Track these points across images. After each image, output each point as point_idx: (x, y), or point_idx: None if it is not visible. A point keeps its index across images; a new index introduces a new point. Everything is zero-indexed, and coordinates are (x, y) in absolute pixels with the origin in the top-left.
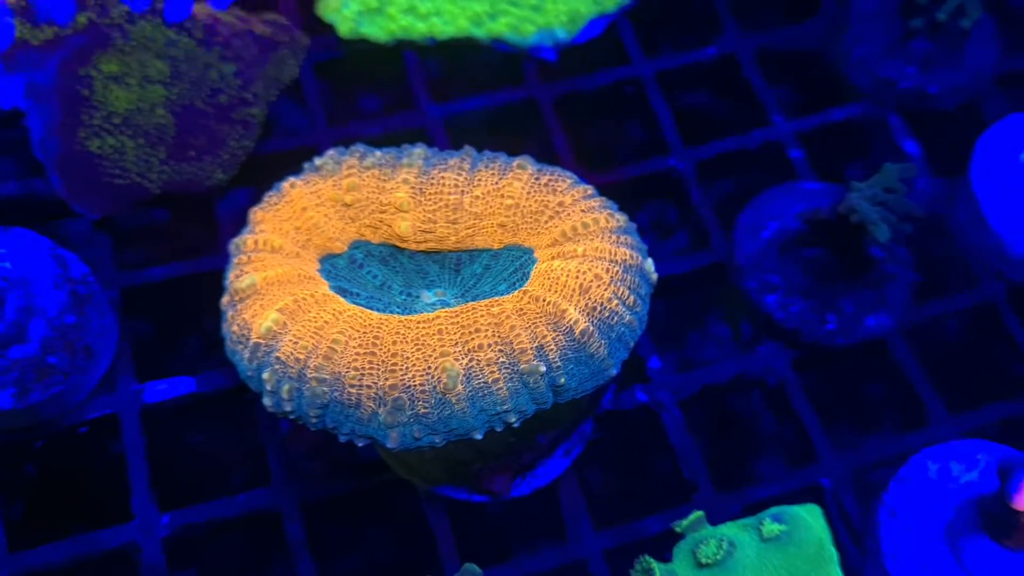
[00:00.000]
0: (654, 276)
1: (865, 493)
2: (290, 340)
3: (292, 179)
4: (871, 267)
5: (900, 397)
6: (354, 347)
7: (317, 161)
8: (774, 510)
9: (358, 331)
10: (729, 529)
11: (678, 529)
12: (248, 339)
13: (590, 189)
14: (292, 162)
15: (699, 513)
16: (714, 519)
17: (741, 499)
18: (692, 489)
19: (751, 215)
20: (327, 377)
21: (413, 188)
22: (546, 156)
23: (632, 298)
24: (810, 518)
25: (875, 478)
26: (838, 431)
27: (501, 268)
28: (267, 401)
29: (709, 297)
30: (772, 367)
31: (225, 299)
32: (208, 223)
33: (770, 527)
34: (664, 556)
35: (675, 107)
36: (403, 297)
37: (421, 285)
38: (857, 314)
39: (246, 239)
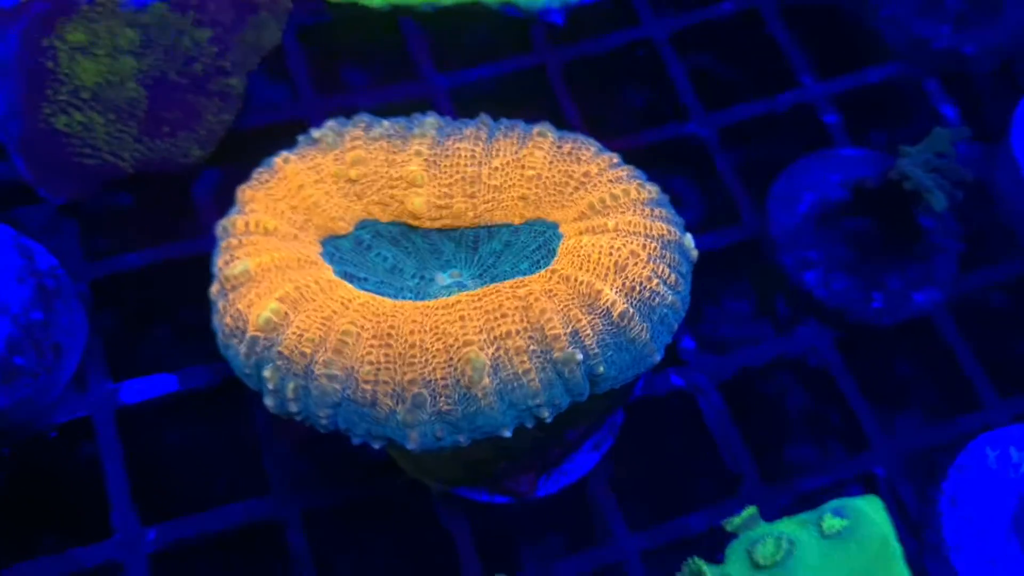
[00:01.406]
0: (694, 253)
1: (921, 481)
2: (293, 332)
3: (285, 154)
4: (919, 238)
5: (948, 378)
6: (368, 338)
7: (315, 133)
8: (834, 504)
9: (371, 320)
10: (787, 526)
11: (729, 528)
12: (244, 332)
13: (616, 157)
14: (275, 138)
15: (752, 509)
16: (763, 513)
17: (790, 491)
18: (737, 481)
19: (784, 185)
20: (338, 373)
21: (427, 160)
22: (556, 125)
23: (673, 276)
24: (872, 511)
25: (930, 465)
26: (887, 415)
27: (522, 245)
28: (269, 401)
29: (741, 275)
30: (814, 347)
31: (214, 288)
32: (184, 205)
33: (831, 522)
34: (715, 557)
35: (692, 69)
36: (415, 281)
37: (435, 266)
38: (904, 290)
39: (235, 220)
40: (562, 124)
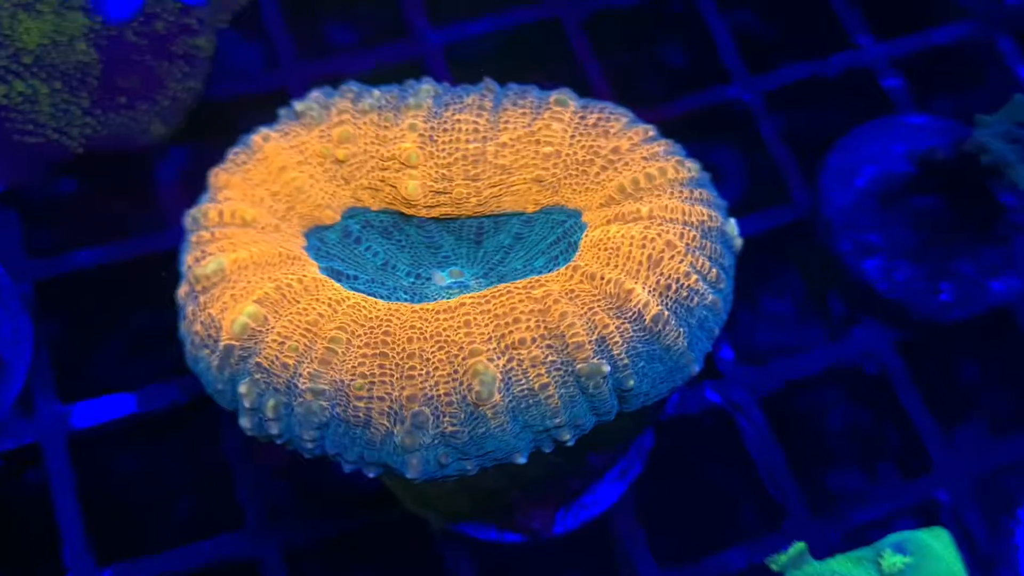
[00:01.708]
0: (738, 241)
1: (992, 509)
2: (274, 340)
3: (265, 130)
4: (997, 218)
5: None
6: (359, 347)
7: (297, 106)
8: (894, 538)
9: (364, 326)
10: (841, 564)
11: (775, 566)
12: (217, 341)
13: (651, 129)
14: (251, 110)
15: (801, 545)
16: (812, 549)
17: (842, 523)
18: (780, 513)
19: (841, 158)
20: (326, 388)
21: (422, 136)
22: (575, 90)
23: (714, 271)
24: (938, 545)
25: (1002, 489)
26: (956, 431)
27: (537, 237)
28: (245, 422)
29: (789, 264)
30: (872, 352)
31: (183, 289)
32: (145, 191)
33: (892, 560)
34: None
35: (735, 25)
36: (410, 280)
37: (432, 263)
38: (979, 277)
39: (207, 210)
40: (583, 90)
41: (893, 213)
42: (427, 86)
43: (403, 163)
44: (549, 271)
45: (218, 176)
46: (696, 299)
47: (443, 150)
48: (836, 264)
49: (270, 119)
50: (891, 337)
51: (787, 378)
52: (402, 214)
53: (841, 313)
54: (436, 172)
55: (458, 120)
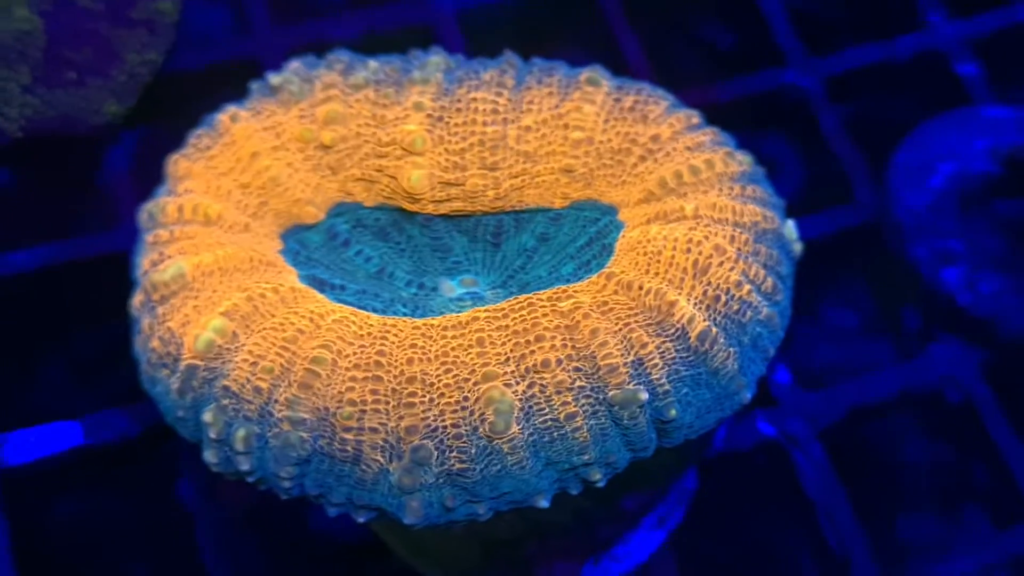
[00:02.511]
0: (798, 246)
1: None
2: (244, 360)
3: (233, 108)
4: None
5: None
6: (347, 368)
7: (273, 79)
8: None
9: (352, 344)
10: None
11: None
12: (177, 359)
13: (696, 116)
14: (218, 84)
15: None
16: None
17: None
18: (843, 566)
19: (913, 154)
20: (307, 416)
21: (430, 116)
22: (607, 66)
23: (769, 280)
24: None
25: None
26: None
27: (566, 238)
28: (211, 456)
29: (854, 271)
30: (953, 376)
31: (137, 299)
32: (92, 181)
33: None
34: None
35: (790, 3)
36: (412, 290)
37: (439, 270)
38: None
39: (165, 204)
40: (618, 68)
41: (975, 217)
42: (437, 58)
43: (406, 149)
44: (580, 278)
45: (177, 164)
46: (749, 313)
47: (455, 134)
48: (909, 273)
49: (239, 95)
50: (975, 358)
51: (852, 404)
52: (403, 211)
53: (915, 329)
54: (446, 160)
55: (474, 99)
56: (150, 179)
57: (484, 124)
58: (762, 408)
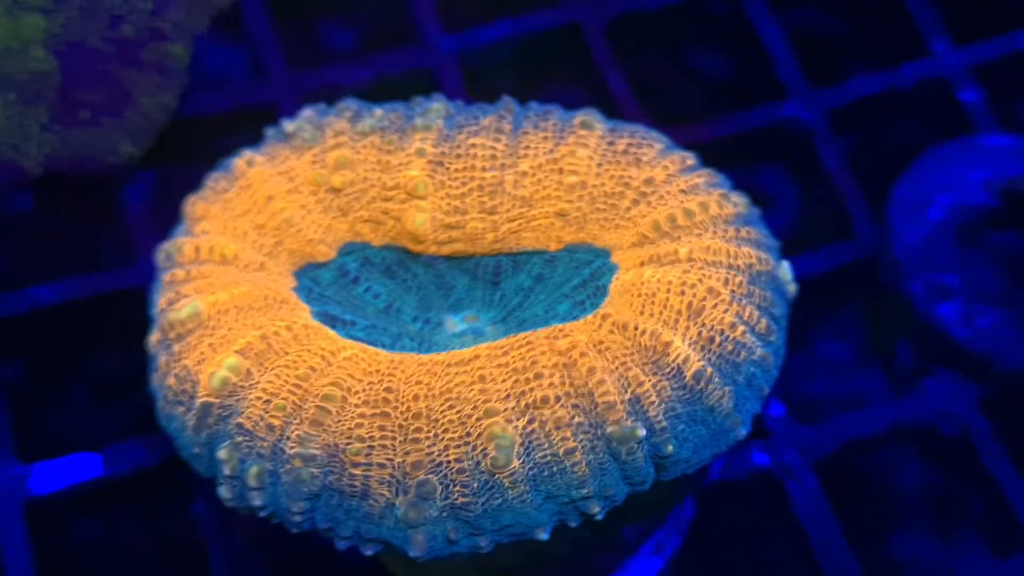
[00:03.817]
0: (792, 287)
1: None
2: (258, 398)
3: (249, 153)
4: None
5: None
6: (356, 405)
7: (287, 126)
8: None
9: (361, 381)
10: None
11: None
12: (193, 397)
13: (690, 157)
14: (233, 128)
15: None
16: None
17: None
18: None
19: (911, 187)
20: (317, 453)
21: (431, 162)
22: (600, 104)
23: (764, 321)
24: None
25: None
26: None
27: (560, 279)
28: (225, 491)
29: (853, 308)
30: (948, 410)
31: (154, 337)
32: (111, 218)
33: None
34: None
35: (791, 30)
36: (418, 325)
37: (443, 306)
38: None
39: (182, 244)
40: (606, 103)
41: (972, 251)
42: (438, 105)
43: (409, 193)
44: (574, 317)
45: (195, 205)
46: (743, 353)
47: (456, 179)
48: (905, 308)
49: (254, 139)
50: (972, 392)
51: (846, 437)
52: (408, 251)
53: (909, 363)
54: (447, 204)
55: (473, 144)
56: (167, 217)
57: (483, 169)
58: (757, 440)
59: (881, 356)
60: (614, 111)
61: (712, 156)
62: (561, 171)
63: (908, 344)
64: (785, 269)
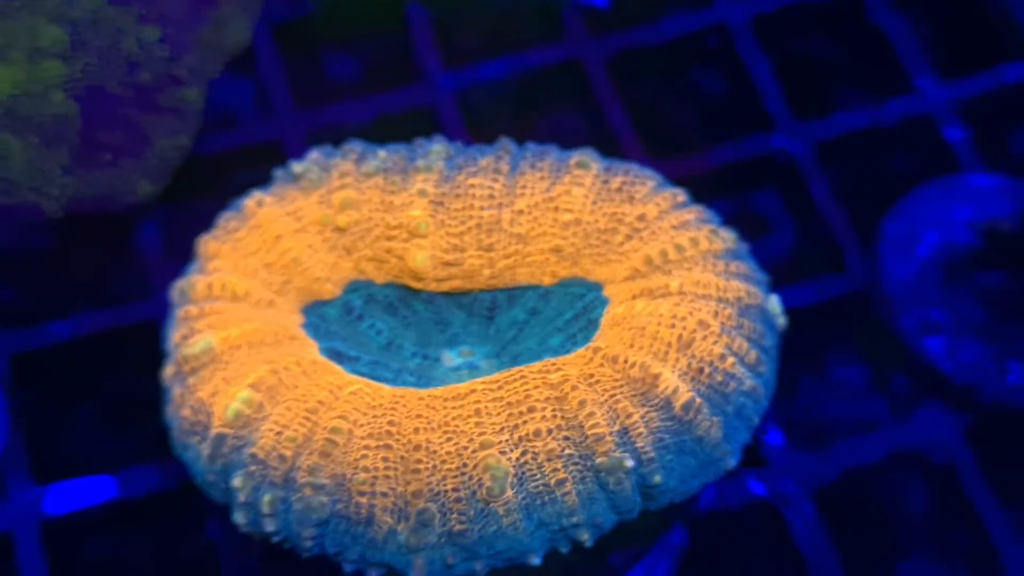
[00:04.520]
0: (782, 320)
1: None
2: (270, 429)
3: (259, 194)
4: None
5: None
6: (362, 438)
7: (295, 167)
8: None
9: (366, 414)
10: None
11: None
12: (207, 428)
13: (681, 194)
14: (243, 165)
15: None
16: None
17: None
18: None
19: (900, 223)
20: (326, 482)
21: (432, 202)
22: (599, 138)
23: (753, 353)
24: None
25: None
26: None
27: (553, 313)
28: (239, 517)
29: (845, 341)
30: (937, 440)
31: (169, 370)
32: (126, 254)
33: None
34: None
35: (779, 64)
36: (417, 360)
37: (440, 342)
38: None
39: (195, 282)
40: (606, 137)
41: (958, 287)
42: (438, 147)
43: (411, 232)
44: (566, 351)
45: (207, 245)
46: (733, 384)
47: (455, 218)
48: (898, 341)
49: (263, 175)
50: (957, 421)
51: (843, 467)
52: (409, 288)
53: (904, 394)
54: (447, 242)
55: (472, 185)
56: (180, 252)
57: (481, 208)
58: (753, 468)
59: (878, 386)
60: (613, 143)
61: (706, 184)
62: (557, 209)
63: (901, 375)
64: (774, 302)
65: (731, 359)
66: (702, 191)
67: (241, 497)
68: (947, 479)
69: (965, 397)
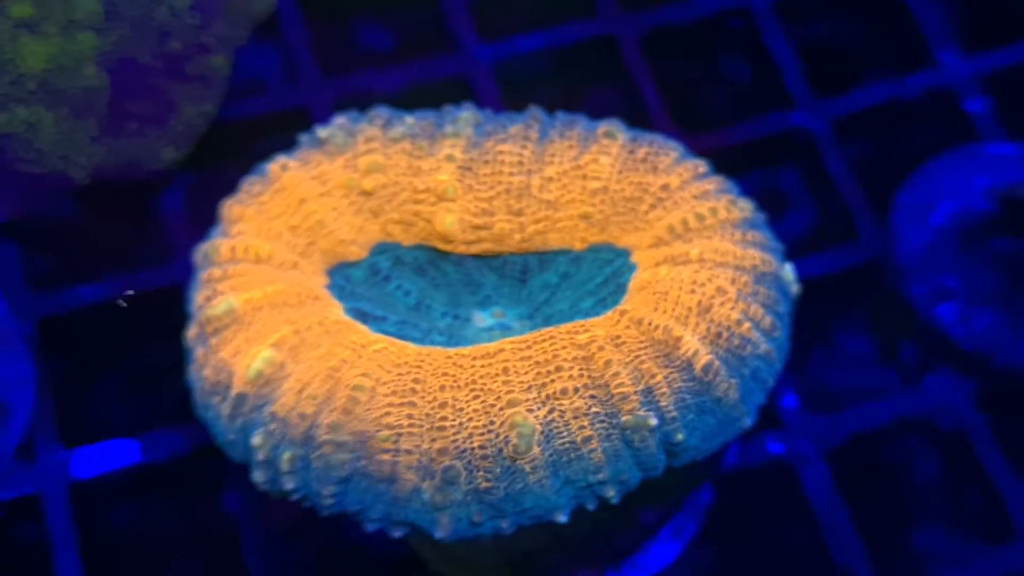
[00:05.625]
0: (795, 287)
1: None
2: (291, 388)
3: (283, 159)
4: None
5: None
6: (385, 395)
7: (320, 132)
8: None
9: (390, 372)
10: None
11: None
12: (228, 388)
13: (702, 165)
14: (268, 133)
15: None
16: None
17: None
18: (845, 573)
19: (915, 193)
20: (347, 439)
21: (460, 167)
22: (631, 113)
23: (768, 319)
24: None
25: None
26: None
27: (585, 277)
28: (259, 476)
29: (857, 309)
30: (947, 405)
31: (192, 331)
32: (151, 220)
33: None
34: None
35: (800, 44)
36: (447, 321)
37: (472, 303)
38: None
39: (219, 245)
40: (638, 111)
41: (972, 255)
42: (467, 114)
43: (439, 196)
44: (597, 313)
45: (231, 208)
46: (749, 348)
47: (484, 183)
48: (907, 309)
49: (288, 143)
50: (969, 388)
51: (855, 428)
52: (438, 250)
53: (914, 361)
54: (476, 206)
55: (500, 151)
56: (203, 217)
57: (510, 174)
58: (770, 430)
59: (887, 354)
60: (645, 118)
61: (730, 159)
62: (585, 176)
63: (911, 344)
64: (788, 270)
65: (747, 324)
66: (725, 168)
67: (261, 455)
68: (957, 444)
69: (976, 364)
